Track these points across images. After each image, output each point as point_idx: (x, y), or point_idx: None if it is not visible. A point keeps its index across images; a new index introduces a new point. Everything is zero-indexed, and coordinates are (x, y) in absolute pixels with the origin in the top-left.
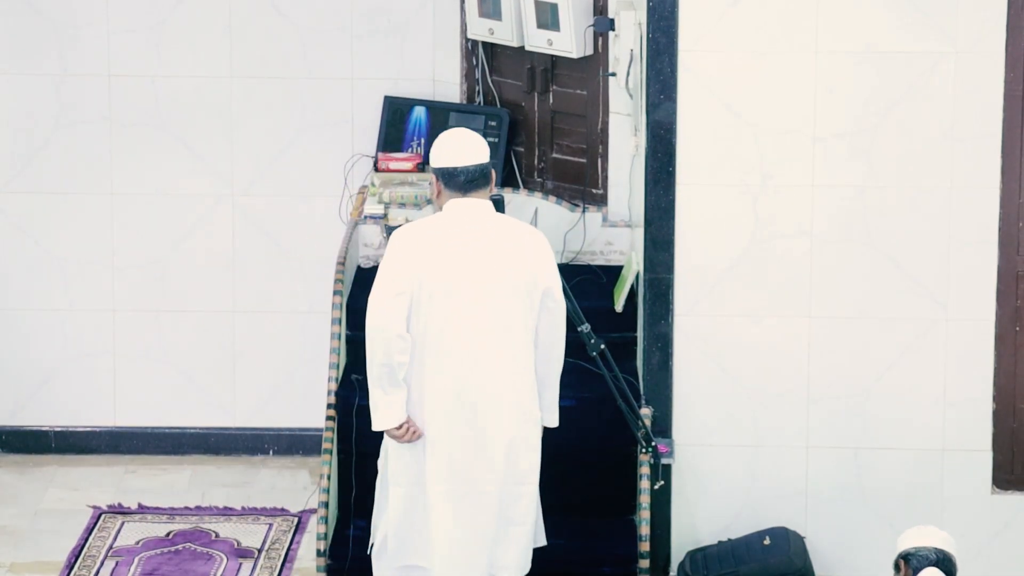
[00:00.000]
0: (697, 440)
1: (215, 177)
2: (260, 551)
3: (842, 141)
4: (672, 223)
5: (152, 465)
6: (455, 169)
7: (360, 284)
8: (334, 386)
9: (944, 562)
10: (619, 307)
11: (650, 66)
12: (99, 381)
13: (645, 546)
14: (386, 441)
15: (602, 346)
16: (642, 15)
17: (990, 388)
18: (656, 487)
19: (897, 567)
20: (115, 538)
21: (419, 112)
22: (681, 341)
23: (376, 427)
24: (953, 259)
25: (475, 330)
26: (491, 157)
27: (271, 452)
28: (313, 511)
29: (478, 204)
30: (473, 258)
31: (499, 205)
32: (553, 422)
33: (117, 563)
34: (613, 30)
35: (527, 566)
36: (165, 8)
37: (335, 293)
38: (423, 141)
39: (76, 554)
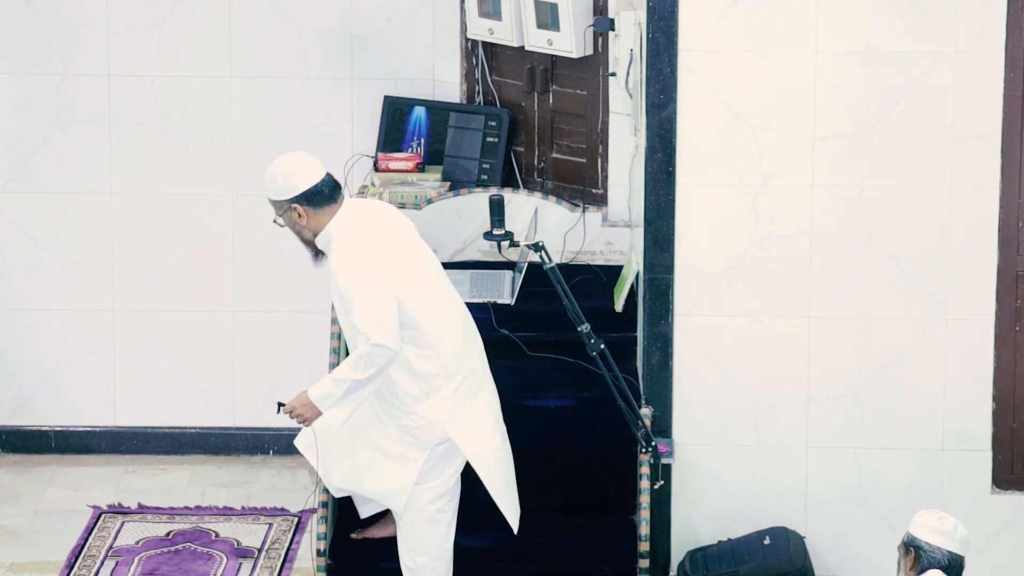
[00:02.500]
0: (697, 440)
1: (215, 177)
2: (260, 551)
3: (842, 141)
4: (672, 223)
5: (152, 465)
6: (316, 185)
7: None
8: None
9: (954, 568)
10: (619, 307)
11: (650, 66)
12: (99, 381)
13: (645, 546)
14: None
15: (602, 346)
16: (642, 15)
17: (990, 388)
18: (656, 487)
19: (906, 551)
20: (115, 538)
21: (419, 112)
22: (681, 341)
23: (340, 420)
24: (953, 259)
25: (452, 305)
26: (491, 157)
27: (271, 452)
28: (313, 511)
29: (360, 202)
30: (410, 247)
31: (499, 205)
32: None
33: (117, 563)
34: (613, 30)
35: None
36: (165, 8)
37: None
38: (423, 141)
39: (76, 554)
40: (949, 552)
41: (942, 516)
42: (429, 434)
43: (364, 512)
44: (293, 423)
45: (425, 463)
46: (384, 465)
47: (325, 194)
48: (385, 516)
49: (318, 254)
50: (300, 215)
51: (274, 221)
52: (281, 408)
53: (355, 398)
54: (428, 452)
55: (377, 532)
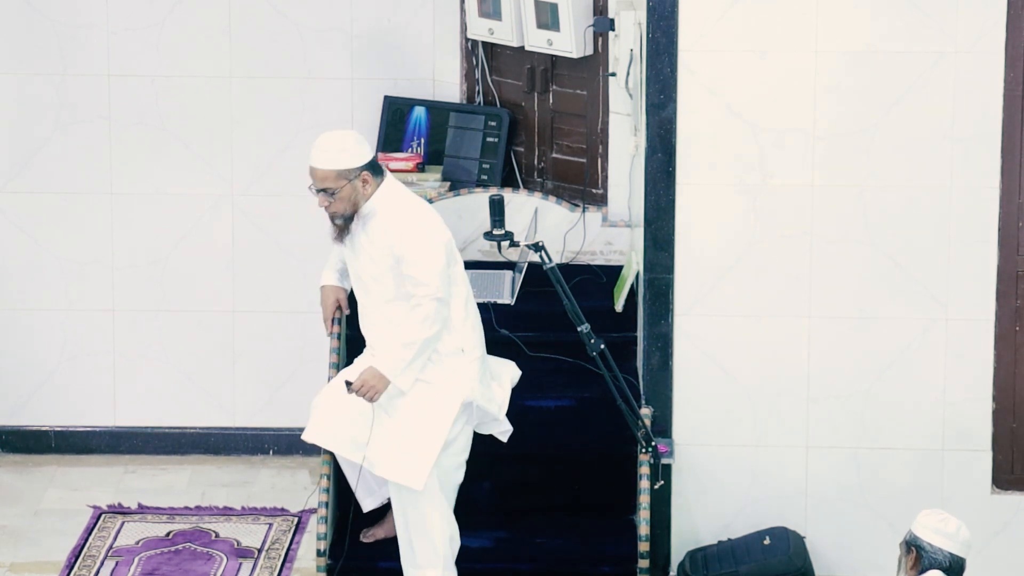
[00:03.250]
0: (697, 440)
1: (215, 177)
2: (260, 551)
3: (842, 141)
4: (672, 223)
5: (152, 465)
6: (375, 155)
7: None
8: None
9: (955, 569)
10: (619, 307)
11: (650, 66)
12: (99, 381)
13: (645, 546)
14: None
15: (602, 346)
16: (642, 15)
17: (990, 388)
18: (656, 487)
19: (908, 550)
20: (115, 538)
21: (419, 112)
22: (681, 341)
23: (407, 387)
24: (953, 259)
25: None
26: (491, 157)
27: (271, 452)
28: (313, 511)
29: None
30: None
31: (499, 205)
32: None
33: (117, 563)
34: (613, 30)
35: None
36: (165, 8)
37: None
38: (423, 141)
39: (76, 554)
40: (950, 554)
41: (945, 517)
42: (459, 392)
43: (367, 505)
44: (294, 423)
45: (452, 428)
46: (405, 435)
47: (378, 165)
48: (390, 514)
49: (345, 230)
50: (365, 182)
51: (331, 195)
52: (350, 387)
53: (420, 361)
54: (455, 413)
55: (388, 531)
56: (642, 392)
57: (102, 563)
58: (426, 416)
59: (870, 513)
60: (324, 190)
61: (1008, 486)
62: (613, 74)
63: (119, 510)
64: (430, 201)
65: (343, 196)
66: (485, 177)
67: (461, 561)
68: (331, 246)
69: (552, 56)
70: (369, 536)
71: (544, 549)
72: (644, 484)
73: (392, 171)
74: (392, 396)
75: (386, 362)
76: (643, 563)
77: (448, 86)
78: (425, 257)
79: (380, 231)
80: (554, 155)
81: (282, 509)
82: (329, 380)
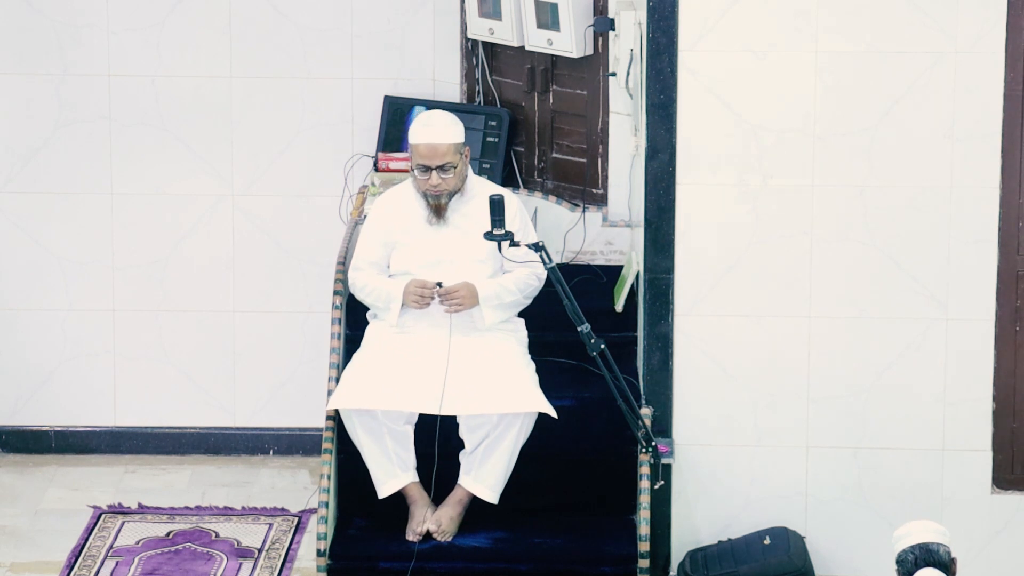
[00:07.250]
0: (697, 440)
1: (215, 177)
2: (260, 551)
3: (842, 141)
4: (672, 223)
5: (152, 465)
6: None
7: None
8: (334, 386)
9: (923, 558)
10: (619, 307)
11: (650, 66)
12: (99, 381)
13: (645, 546)
14: None
15: (602, 346)
16: (642, 15)
17: (990, 388)
18: (656, 487)
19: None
20: (115, 538)
21: (419, 112)
22: (681, 341)
23: (488, 323)
24: (953, 259)
25: None
26: (491, 157)
27: (271, 452)
28: (313, 511)
29: None
30: None
31: (499, 205)
32: None
33: (117, 563)
34: (613, 30)
35: None
36: (165, 8)
37: (335, 293)
38: None
39: (76, 554)
40: (907, 549)
41: (900, 528)
42: (519, 338)
43: (387, 489)
44: (294, 423)
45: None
46: (496, 374)
47: None
48: (416, 504)
49: (444, 210)
50: (466, 157)
51: (449, 171)
52: (440, 286)
53: (507, 313)
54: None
55: (424, 519)
56: (642, 392)
57: (102, 563)
58: (505, 356)
59: (870, 513)
60: (443, 166)
61: (1008, 486)
62: (613, 74)
63: (119, 510)
64: None
65: (458, 171)
66: (485, 177)
67: (461, 561)
68: (368, 278)
69: (552, 56)
70: (415, 535)
71: (544, 549)
72: (644, 484)
73: (392, 171)
74: (466, 332)
75: (486, 287)
76: (643, 563)
77: (448, 86)
78: (533, 233)
79: (506, 196)
80: (554, 155)
81: (282, 509)
82: (330, 379)
